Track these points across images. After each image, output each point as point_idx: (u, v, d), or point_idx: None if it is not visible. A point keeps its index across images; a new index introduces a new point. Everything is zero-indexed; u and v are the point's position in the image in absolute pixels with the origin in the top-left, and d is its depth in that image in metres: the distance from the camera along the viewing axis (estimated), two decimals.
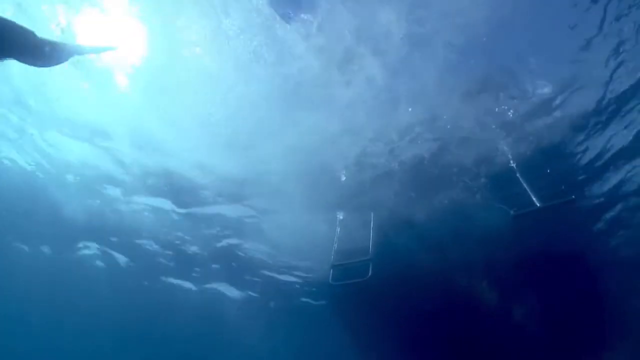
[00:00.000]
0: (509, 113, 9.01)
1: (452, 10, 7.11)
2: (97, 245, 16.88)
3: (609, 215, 11.64)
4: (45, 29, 7.47)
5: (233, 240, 15.42)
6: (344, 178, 10.99)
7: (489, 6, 6.98)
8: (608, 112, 8.68)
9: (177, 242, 15.87)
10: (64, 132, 10.78)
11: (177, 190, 12.73)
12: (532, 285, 11.41)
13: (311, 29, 7.47)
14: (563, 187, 8.99)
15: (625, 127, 8.91)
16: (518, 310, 11.37)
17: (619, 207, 11.35)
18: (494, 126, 9.23)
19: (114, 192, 13.26)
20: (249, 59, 8.04)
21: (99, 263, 18.10)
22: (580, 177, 10.62)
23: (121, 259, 17.54)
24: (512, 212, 7.88)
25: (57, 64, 4.32)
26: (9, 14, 7.21)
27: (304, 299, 18.95)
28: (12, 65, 8.67)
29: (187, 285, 19.38)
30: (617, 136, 9.24)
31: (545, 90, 8.44)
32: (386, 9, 7.13)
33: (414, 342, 12.52)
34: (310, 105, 8.85)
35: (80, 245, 16.92)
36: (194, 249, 16.22)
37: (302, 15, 7.21)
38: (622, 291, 12.84)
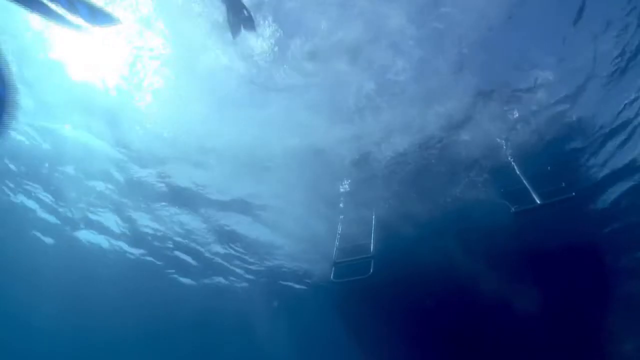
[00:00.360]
0: (512, 108, 9.05)
1: (463, 6, 7.15)
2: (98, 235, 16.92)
3: (609, 207, 11.68)
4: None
5: (234, 240, 15.54)
6: (346, 177, 11.06)
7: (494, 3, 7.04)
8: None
9: (180, 239, 16.00)
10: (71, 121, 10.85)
11: (178, 190, 12.84)
12: (535, 280, 11.45)
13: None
14: (563, 184, 9.04)
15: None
16: (522, 305, 11.42)
17: (619, 197, 11.37)
18: (497, 122, 9.28)
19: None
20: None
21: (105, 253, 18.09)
22: (581, 170, 10.66)
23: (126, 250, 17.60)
24: (512, 208, 7.94)
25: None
26: None
27: (305, 296, 19.07)
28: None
29: (188, 281, 19.49)
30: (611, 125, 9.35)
31: (548, 82, 8.49)
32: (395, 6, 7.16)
33: (417, 339, 12.59)
34: (313, 104, 8.93)
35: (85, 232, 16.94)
36: (195, 245, 16.35)
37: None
38: (626, 283, 12.84)
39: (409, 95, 8.73)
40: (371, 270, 8.16)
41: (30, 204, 15.15)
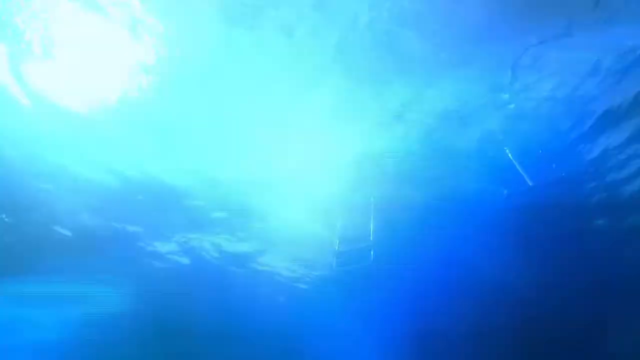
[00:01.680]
0: (508, 95, 9.12)
1: None
2: None
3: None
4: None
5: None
6: (344, 169, 11.18)
7: None
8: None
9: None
10: None
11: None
12: (536, 264, 11.54)
13: None
14: (554, 165, 9.20)
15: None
16: (521, 289, 11.50)
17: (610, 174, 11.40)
18: (491, 105, 9.33)
19: None
20: None
21: None
22: (573, 150, 10.73)
23: None
24: (505, 191, 8.13)
25: None
26: None
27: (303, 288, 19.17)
28: None
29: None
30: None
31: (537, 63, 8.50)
32: None
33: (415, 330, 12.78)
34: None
35: None
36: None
37: None
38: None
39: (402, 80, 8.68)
40: (371, 258, 8.39)
41: None
